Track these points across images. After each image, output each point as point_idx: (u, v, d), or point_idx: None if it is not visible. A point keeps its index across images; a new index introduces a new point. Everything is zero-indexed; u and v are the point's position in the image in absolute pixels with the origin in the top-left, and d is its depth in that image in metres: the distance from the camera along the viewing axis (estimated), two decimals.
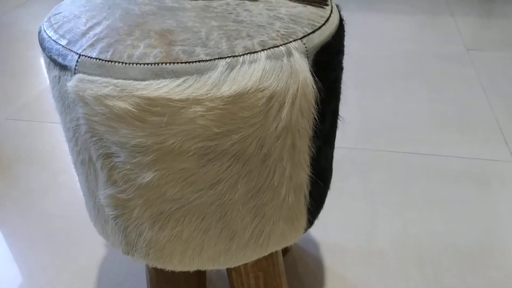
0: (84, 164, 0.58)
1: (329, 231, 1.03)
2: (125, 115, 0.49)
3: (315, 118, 0.55)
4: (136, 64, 0.48)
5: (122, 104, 0.48)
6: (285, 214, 0.60)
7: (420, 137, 1.33)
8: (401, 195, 1.12)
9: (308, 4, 0.59)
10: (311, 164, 0.59)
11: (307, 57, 0.52)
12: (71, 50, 0.52)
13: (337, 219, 1.06)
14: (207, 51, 0.49)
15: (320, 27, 0.55)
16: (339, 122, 0.68)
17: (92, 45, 0.51)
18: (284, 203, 0.58)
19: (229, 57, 0.48)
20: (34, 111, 1.53)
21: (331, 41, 0.56)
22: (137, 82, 0.48)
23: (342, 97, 0.66)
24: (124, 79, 0.48)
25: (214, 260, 0.61)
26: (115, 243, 0.62)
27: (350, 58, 1.77)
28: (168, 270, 0.71)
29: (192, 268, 0.62)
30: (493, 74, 1.62)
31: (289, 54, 0.50)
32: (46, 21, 0.59)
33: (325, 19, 0.56)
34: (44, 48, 0.56)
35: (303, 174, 0.58)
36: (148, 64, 0.48)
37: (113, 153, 0.53)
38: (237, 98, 0.48)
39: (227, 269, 0.75)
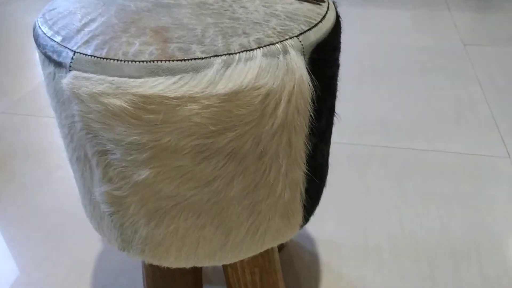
0: (80, 160, 0.58)
1: (325, 227, 1.03)
2: (121, 113, 0.48)
3: (311, 116, 0.55)
4: (132, 61, 0.48)
5: (117, 102, 0.48)
6: (281, 211, 0.60)
7: (416, 132, 1.33)
8: (397, 191, 1.13)
9: (304, 1, 0.59)
10: (307, 161, 0.59)
11: (304, 54, 0.52)
12: (66, 47, 0.51)
13: (333, 215, 1.07)
14: (203, 48, 0.49)
15: (316, 24, 0.54)
16: (335, 118, 0.68)
17: (87, 42, 0.51)
18: (280, 200, 0.59)
19: (225, 54, 0.48)
20: (30, 105, 1.52)
21: (327, 39, 0.55)
22: (132, 80, 0.48)
23: (338, 92, 0.66)
24: (120, 77, 0.48)
25: (210, 257, 0.61)
26: (111, 239, 0.62)
27: (346, 53, 1.76)
28: (164, 266, 0.72)
29: (188, 264, 0.62)
30: (489, 69, 1.62)
31: (285, 51, 0.50)
32: (41, 17, 0.59)
33: (321, 16, 0.56)
34: (38, 45, 0.55)
35: (299, 171, 0.58)
36: (143, 61, 0.48)
37: (109, 150, 0.53)
38: (233, 96, 0.48)
39: (223, 265, 0.75)
